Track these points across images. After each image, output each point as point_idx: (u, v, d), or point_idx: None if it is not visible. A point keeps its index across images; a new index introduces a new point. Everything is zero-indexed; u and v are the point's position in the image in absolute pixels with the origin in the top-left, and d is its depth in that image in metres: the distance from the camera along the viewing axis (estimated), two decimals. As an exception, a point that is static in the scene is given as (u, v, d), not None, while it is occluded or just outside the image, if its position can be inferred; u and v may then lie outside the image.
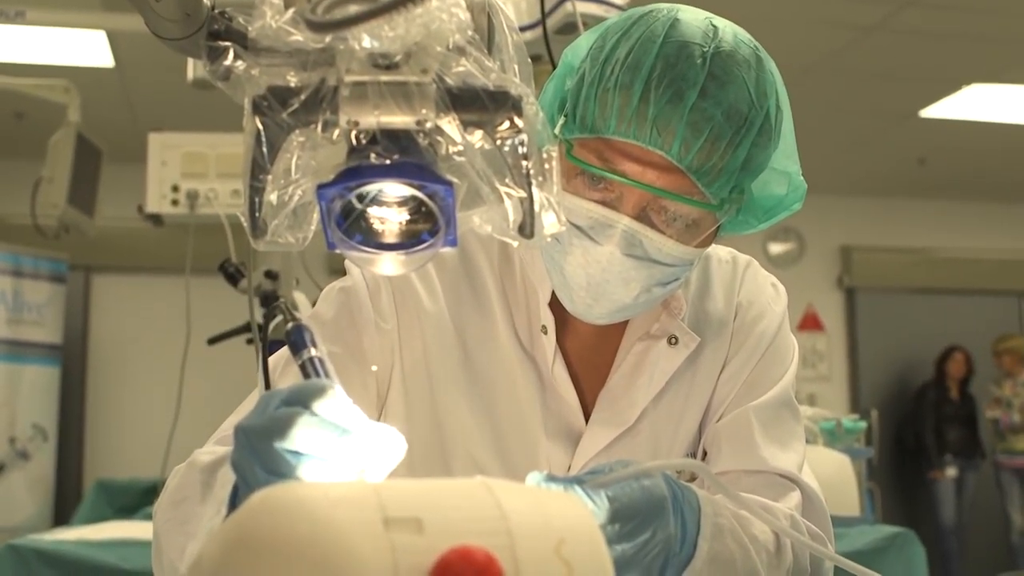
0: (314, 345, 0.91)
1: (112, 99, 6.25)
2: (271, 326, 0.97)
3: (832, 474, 2.86)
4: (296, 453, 0.80)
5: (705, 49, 1.14)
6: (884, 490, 4.41)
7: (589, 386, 1.33)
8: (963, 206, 9.16)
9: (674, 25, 1.17)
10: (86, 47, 5.48)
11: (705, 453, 1.33)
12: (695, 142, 1.13)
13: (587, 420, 1.31)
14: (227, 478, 0.90)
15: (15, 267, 5.85)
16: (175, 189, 3.66)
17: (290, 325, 0.93)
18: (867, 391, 8.88)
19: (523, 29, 2.48)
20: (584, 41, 1.25)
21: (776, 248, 8.84)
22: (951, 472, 8.26)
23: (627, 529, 0.99)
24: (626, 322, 1.33)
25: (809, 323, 8.72)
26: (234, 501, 0.88)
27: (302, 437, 0.80)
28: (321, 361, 0.91)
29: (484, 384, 1.30)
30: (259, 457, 0.80)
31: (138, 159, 3.88)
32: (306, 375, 0.90)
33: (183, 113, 5.15)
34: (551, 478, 0.97)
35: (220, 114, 3.65)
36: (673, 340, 1.31)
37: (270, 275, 3.57)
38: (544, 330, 1.29)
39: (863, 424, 3.25)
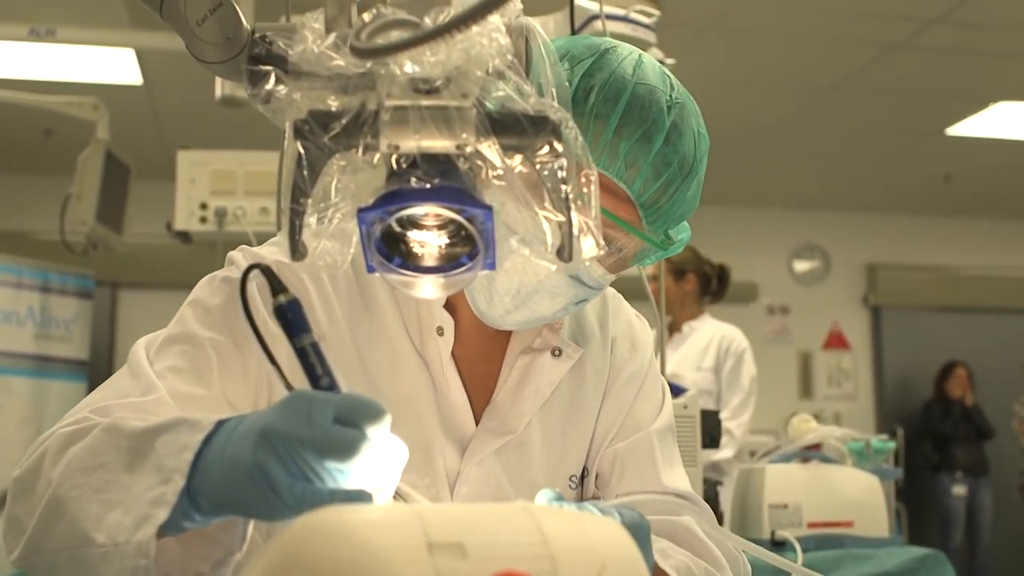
0: (307, 328, 0.91)
1: (140, 116, 6.29)
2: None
3: (862, 494, 2.84)
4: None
5: (667, 98, 1.19)
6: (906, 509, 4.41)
7: (476, 394, 1.33)
8: (989, 224, 9.09)
9: (639, 67, 1.20)
10: (115, 65, 5.52)
11: (598, 475, 1.38)
12: (654, 183, 1.18)
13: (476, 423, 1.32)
14: (176, 447, 0.89)
15: (43, 283, 5.85)
16: (203, 207, 3.69)
17: (283, 298, 0.92)
18: (892, 410, 8.81)
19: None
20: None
21: (801, 266, 8.75)
22: (959, 490, 8.14)
23: None
24: (509, 335, 1.35)
25: (834, 341, 8.64)
26: (193, 470, 0.87)
27: (360, 465, 0.81)
28: (319, 348, 0.90)
29: (378, 383, 1.27)
30: (299, 466, 0.81)
31: (166, 176, 3.91)
32: (309, 364, 0.89)
33: (211, 131, 5.18)
34: (560, 498, 1.02)
35: (248, 132, 3.67)
36: (556, 352, 1.35)
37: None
38: (440, 331, 1.29)
39: (892, 444, 3.21)
